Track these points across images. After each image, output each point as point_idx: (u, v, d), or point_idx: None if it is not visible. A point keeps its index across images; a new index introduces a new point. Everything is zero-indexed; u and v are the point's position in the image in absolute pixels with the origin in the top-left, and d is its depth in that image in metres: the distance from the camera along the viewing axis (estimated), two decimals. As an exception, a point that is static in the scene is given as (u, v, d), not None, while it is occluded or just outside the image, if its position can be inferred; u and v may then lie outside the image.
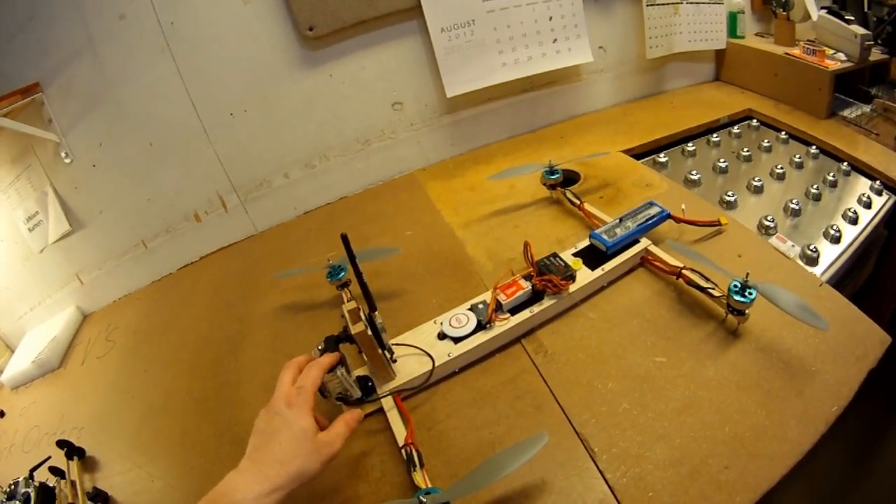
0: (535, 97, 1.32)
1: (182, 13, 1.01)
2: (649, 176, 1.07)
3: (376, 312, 0.69)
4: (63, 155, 1.09)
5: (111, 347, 1.12)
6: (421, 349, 0.74)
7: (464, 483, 0.54)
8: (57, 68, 1.00)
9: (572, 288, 0.77)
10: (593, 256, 0.82)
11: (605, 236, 0.82)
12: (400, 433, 0.65)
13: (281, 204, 1.26)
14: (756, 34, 1.43)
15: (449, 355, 0.72)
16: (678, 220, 0.88)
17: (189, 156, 1.15)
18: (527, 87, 1.29)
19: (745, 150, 1.15)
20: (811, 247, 0.90)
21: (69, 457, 0.86)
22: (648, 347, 0.71)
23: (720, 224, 0.88)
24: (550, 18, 1.19)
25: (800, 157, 1.10)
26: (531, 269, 0.78)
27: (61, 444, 0.86)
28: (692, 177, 1.08)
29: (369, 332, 0.64)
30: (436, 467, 0.63)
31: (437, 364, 0.71)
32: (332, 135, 1.23)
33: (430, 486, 0.58)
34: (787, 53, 1.24)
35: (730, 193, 1.02)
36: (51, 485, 0.82)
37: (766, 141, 1.18)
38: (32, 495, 0.77)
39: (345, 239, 0.64)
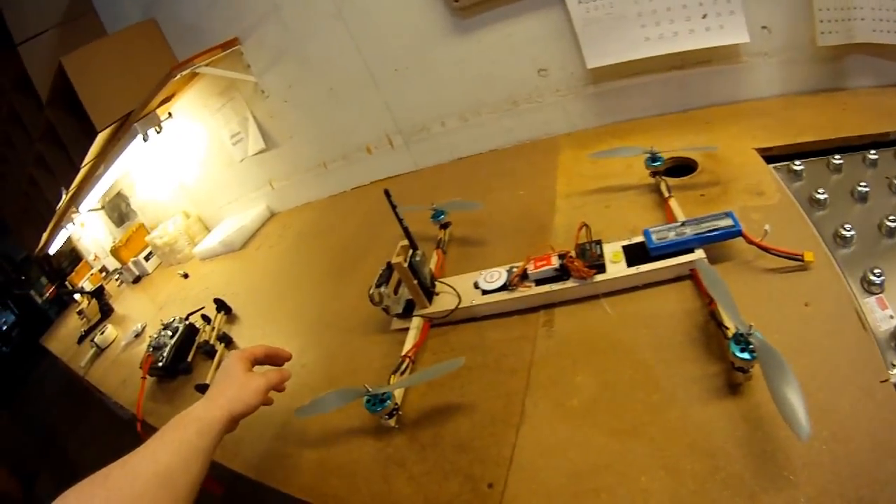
0: (687, 76, 1.24)
1: (350, -15, 1.24)
2: (766, 183, 0.96)
3: (417, 251, 0.88)
4: (262, 91, 1.46)
5: (281, 241, 1.51)
6: (454, 290, 0.89)
7: (398, 383, 0.74)
8: (250, 27, 1.36)
9: (599, 278, 0.81)
10: (641, 254, 0.82)
11: (653, 236, 0.81)
12: (407, 346, 0.84)
13: (438, 148, 1.48)
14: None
15: (472, 302, 0.87)
16: (749, 242, 0.79)
17: (362, 101, 1.42)
18: (677, 64, 1.22)
19: (902, 178, 0.90)
20: (909, 325, 0.67)
21: (218, 310, 1.24)
22: (636, 362, 0.69)
23: (802, 260, 0.75)
24: (700, -8, 1.08)
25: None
26: (568, 250, 0.84)
27: (217, 301, 1.25)
28: (817, 195, 0.91)
29: (405, 265, 0.83)
30: (421, 385, 0.80)
31: (460, 305, 0.87)
32: (482, 93, 1.37)
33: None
34: None
35: (847, 227, 0.82)
36: (197, 326, 1.20)
37: (938, 172, 0.91)
38: (180, 329, 1.16)
39: (386, 193, 0.84)
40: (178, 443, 0.56)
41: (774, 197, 0.93)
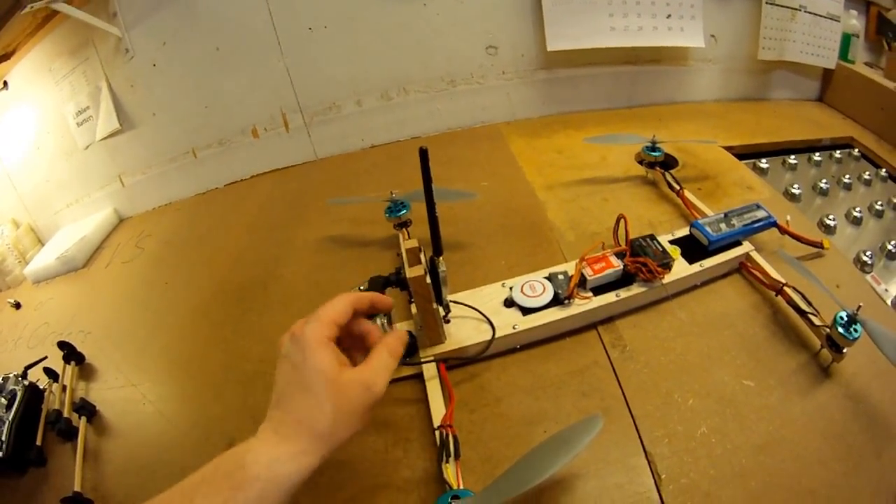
0: (637, 72, 1.22)
1: None
2: (750, 178, 0.96)
3: (441, 258, 0.57)
4: (125, 51, 1.03)
5: (139, 254, 1.06)
6: (482, 313, 0.65)
7: (500, 485, 0.42)
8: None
9: (667, 279, 0.67)
10: (691, 249, 0.73)
11: (708, 229, 0.72)
12: (437, 410, 0.56)
13: (348, 132, 1.19)
14: (865, 63, 1.31)
15: (514, 327, 0.63)
16: (783, 231, 0.78)
17: (257, 67, 1.07)
18: (630, 59, 1.19)
19: (847, 177, 1.04)
20: (903, 294, 0.77)
21: (67, 360, 0.81)
22: (737, 366, 0.61)
23: (822, 247, 0.78)
24: (668, -9, 1.08)
25: (898, 201, 0.98)
26: (623, 247, 0.69)
27: (62, 345, 0.82)
28: (793, 190, 0.98)
29: (428, 280, 0.55)
30: (470, 460, 0.53)
31: (497, 335, 0.62)
32: (416, 68, 1.15)
33: (462, 485, 0.48)
34: (897, 90, 1.11)
35: (831, 217, 0.91)
36: (41, 386, 0.76)
37: (866, 174, 1.06)
38: (19, 394, 0.71)
39: (423, 154, 0.47)
40: None
41: (764, 191, 0.94)
